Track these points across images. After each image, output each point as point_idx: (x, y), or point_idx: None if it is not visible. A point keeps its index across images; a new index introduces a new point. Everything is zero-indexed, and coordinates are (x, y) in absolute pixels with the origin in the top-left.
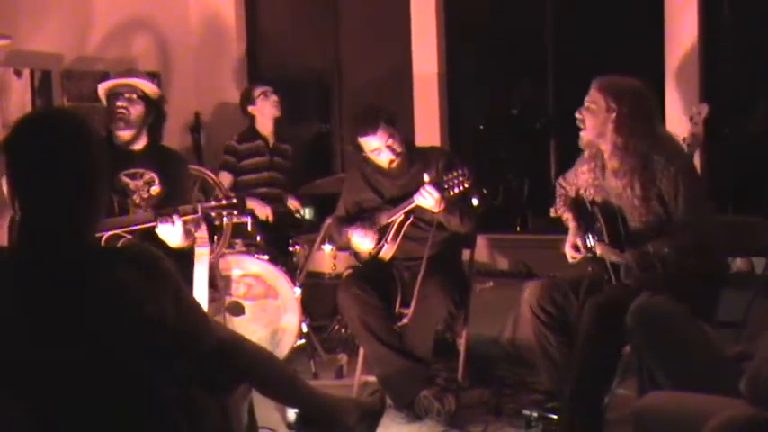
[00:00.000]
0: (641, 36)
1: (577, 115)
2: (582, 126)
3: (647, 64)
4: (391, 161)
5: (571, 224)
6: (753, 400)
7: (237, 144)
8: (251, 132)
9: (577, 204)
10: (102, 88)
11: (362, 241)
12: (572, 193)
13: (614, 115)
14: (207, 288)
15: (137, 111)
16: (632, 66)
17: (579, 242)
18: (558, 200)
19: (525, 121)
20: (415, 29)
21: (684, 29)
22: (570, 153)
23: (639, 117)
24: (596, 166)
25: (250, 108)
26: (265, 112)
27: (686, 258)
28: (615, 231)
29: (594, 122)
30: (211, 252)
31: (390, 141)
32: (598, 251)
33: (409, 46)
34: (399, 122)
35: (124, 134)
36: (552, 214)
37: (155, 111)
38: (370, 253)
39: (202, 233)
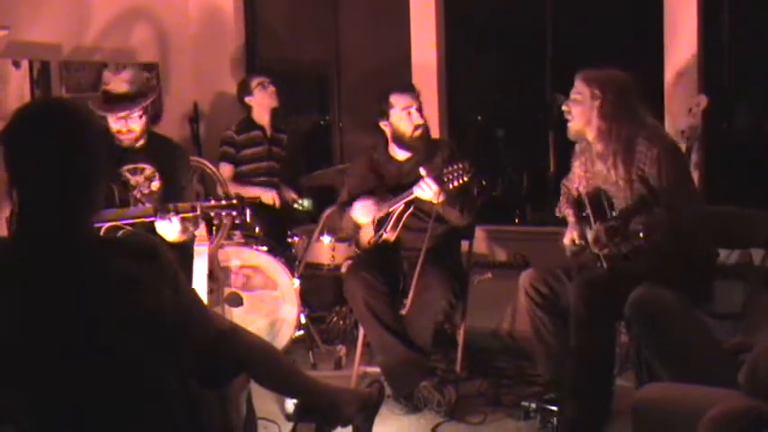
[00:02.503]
0: (641, 28)
1: (564, 108)
2: (569, 118)
3: (646, 58)
4: (416, 127)
5: (570, 219)
6: (751, 392)
7: (236, 134)
8: (248, 123)
9: (576, 203)
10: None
11: (364, 210)
12: (574, 193)
13: (598, 102)
14: (206, 285)
15: (143, 125)
16: (632, 60)
17: (576, 234)
18: (562, 199)
19: (524, 114)
20: (415, 20)
21: (684, 26)
22: (569, 146)
23: (623, 104)
24: (587, 159)
25: (247, 99)
26: (263, 103)
27: (661, 238)
28: (601, 214)
29: (581, 111)
30: (210, 243)
31: (420, 107)
32: (590, 239)
33: (408, 38)
34: None
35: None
36: (558, 214)
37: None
38: (369, 241)
39: (201, 231)
